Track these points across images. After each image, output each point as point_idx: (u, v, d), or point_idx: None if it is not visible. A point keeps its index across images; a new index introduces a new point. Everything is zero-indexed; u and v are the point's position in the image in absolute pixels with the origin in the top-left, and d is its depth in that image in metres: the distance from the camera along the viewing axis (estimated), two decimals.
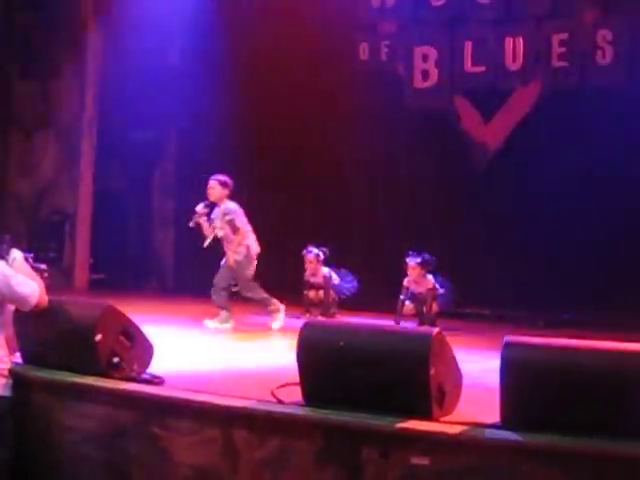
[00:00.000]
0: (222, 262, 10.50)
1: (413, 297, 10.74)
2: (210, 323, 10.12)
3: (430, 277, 10.65)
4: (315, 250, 11.35)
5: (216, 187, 10.41)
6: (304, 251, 11.43)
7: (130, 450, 5.67)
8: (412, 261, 10.63)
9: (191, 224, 10.48)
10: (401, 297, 10.64)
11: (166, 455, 5.52)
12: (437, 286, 10.70)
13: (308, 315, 11.04)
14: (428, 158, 12.64)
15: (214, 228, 10.38)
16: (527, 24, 11.98)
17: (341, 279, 11.53)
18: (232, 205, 10.41)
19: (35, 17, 13.85)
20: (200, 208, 10.40)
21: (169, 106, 14.79)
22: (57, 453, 5.99)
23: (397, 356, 5.06)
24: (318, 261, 11.39)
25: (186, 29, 14.59)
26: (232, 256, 10.31)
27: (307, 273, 11.47)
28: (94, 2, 14.15)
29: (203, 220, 10.40)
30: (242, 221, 10.41)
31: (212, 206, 10.45)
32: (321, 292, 11.42)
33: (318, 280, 11.43)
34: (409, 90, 12.76)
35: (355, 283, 11.52)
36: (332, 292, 11.45)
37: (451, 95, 12.54)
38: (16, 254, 5.95)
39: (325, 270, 11.41)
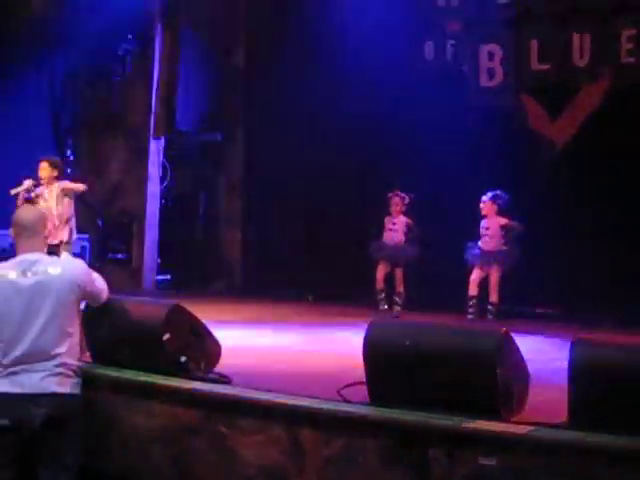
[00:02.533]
0: None
1: (482, 256, 10.98)
2: None
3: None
4: (400, 193, 11.72)
5: (47, 168, 10.91)
6: (390, 194, 11.71)
7: (197, 449, 5.70)
8: (483, 197, 11.07)
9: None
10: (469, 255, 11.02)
11: (232, 454, 5.55)
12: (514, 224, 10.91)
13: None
14: (495, 157, 12.54)
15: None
16: (594, 20, 11.84)
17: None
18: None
19: (103, 20, 13.96)
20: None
21: (235, 106, 14.88)
22: (124, 451, 6.05)
23: (464, 355, 5.04)
24: (403, 204, 11.68)
25: (252, 28, 14.65)
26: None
27: (387, 219, 11.76)
28: (161, 3, 14.25)
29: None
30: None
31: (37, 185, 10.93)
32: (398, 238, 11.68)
33: (396, 226, 11.72)
34: (475, 89, 12.67)
35: (417, 249, 11.74)
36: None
37: (517, 93, 12.43)
38: (66, 252, 6.07)
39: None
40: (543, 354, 7.74)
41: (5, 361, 5.35)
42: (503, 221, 10.99)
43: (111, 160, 14.69)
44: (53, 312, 5.39)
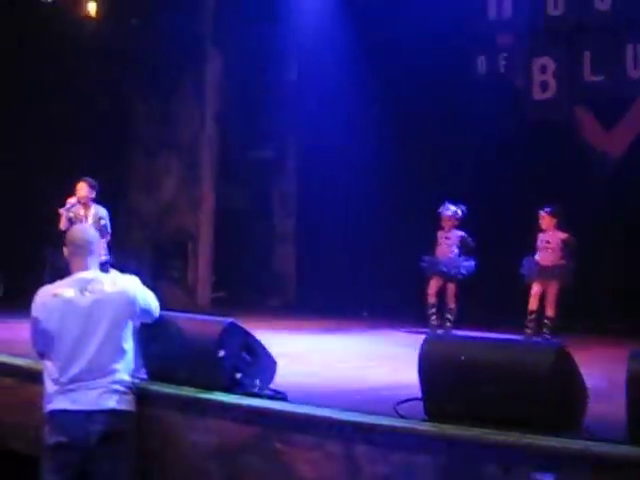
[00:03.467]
0: None
1: (540, 271, 10.80)
2: None
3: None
4: (452, 207, 11.45)
5: (85, 188, 10.93)
6: (441, 208, 11.53)
7: (252, 465, 5.70)
8: (542, 210, 10.86)
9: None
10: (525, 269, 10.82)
11: (288, 470, 5.54)
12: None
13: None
14: (548, 170, 12.48)
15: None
16: None
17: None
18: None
19: (155, 40, 14.10)
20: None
21: (288, 123, 14.94)
22: (180, 468, 6.06)
23: (520, 370, 4.99)
24: (456, 219, 11.48)
25: (304, 45, 14.72)
26: None
27: (440, 234, 11.60)
28: (213, 22, 14.35)
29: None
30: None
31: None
32: (452, 252, 11.53)
33: (451, 241, 11.56)
34: (528, 102, 12.63)
35: (473, 263, 11.54)
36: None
37: (571, 105, 12.37)
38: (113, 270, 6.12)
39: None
40: (601, 369, 7.66)
41: (63, 379, 5.41)
42: (563, 236, 10.85)
43: (165, 178, 14.79)
44: (110, 330, 5.45)
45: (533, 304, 10.82)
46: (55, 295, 5.53)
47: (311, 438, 5.48)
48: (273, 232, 15.54)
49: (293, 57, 15.17)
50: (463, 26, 12.86)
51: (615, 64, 11.90)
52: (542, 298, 10.81)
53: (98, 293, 5.47)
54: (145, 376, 6.34)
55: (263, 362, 6.34)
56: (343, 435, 5.37)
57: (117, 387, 5.45)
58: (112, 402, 5.41)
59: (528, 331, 10.66)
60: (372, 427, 5.31)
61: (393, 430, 5.23)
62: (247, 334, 6.31)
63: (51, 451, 5.41)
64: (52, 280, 5.77)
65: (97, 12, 14.24)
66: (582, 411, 5.22)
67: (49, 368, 5.52)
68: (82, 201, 10.90)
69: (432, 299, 11.72)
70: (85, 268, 5.59)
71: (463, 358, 5.17)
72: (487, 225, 12.38)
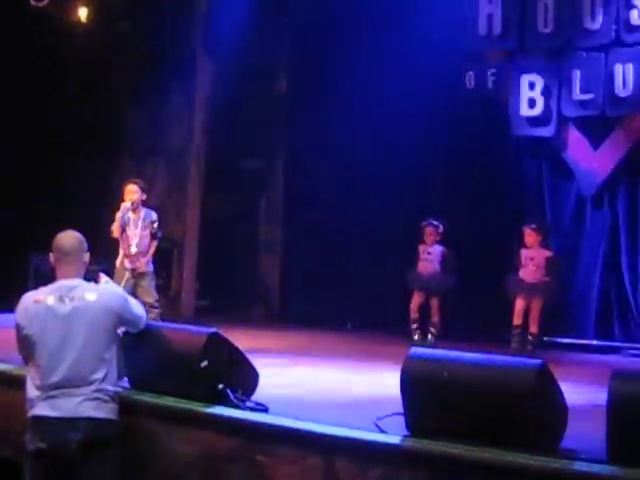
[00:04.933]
0: None
1: (524, 287, 10.93)
2: None
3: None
4: (434, 222, 11.65)
5: (137, 191, 10.50)
6: (423, 223, 11.68)
7: (233, 477, 5.71)
8: (528, 227, 11.01)
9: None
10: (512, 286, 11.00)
11: None
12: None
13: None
14: (535, 187, 12.53)
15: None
16: (637, 50, 11.79)
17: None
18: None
19: (145, 47, 14.10)
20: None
21: (276, 134, 14.95)
22: (160, 478, 6.06)
23: (502, 388, 5.01)
24: (438, 233, 11.64)
25: (294, 56, 14.74)
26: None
27: (422, 248, 11.71)
28: (203, 32, 14.37)
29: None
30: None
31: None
32: (433, 267, 11.64)
33: (432, 256, 11.65)
34: (516, 119, 12.65)
35: (454, 277, 11.69)
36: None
37: (558, 123, 12.39)
38: (106, 279, 6.09)
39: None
40: (582, 387, 7.68)
41: (44, 385, 5.41)
42: (547, 253, 11.00)
43: (152, 186, 14.76)
44: (89, 338, 5.43)
45: (517, 319, 10.93)
46: (36, 302, 5.53)
47: (292, 451, 5.49)
48: (258, 242, 15.53)
49: (283, 68, 15.18)
50: (452, 41, 12.85)
51: (604, 83, 11.93)
52: (526, 313, 10.89)
53: (78, 301, 5.46)
54: (127, 385, 6.34)
55: (246, 373, 6.35)
56: (324, 448, 5.38)
57: (98, 395, 5.43)
58: (92, 410, 5.39)
59: (514, 345, 10.81)
60: (353, 441, 5.32)
61: (374, 445, 5.24)
62: (230, 345, 6.32)
63: (32, 457, 5.41)
64: (36, 286, 5.77)
65: (87, 17, 14.21)
66: (562, 429, 5.23)
67: (32, 374, 5.52)
68: (133, 204, 10.40)
69: (414, 314, 11.80)
70: (69, 275, 5.58)
71: (446, 375, 5.19)
72: (471, 241, 12.41)
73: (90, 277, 5.90)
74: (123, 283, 9.75)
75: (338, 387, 7.96)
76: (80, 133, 14.06)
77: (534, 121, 12.50)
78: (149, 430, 6.10)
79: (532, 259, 10.97)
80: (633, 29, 11.83)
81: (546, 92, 12.37)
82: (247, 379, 6.33)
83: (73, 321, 5.42)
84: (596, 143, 12.25)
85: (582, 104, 12.13)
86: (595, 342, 11.77)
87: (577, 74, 12.13)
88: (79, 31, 14.14)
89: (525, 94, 12.53)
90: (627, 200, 11.96)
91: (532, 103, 12.47)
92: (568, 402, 5.36)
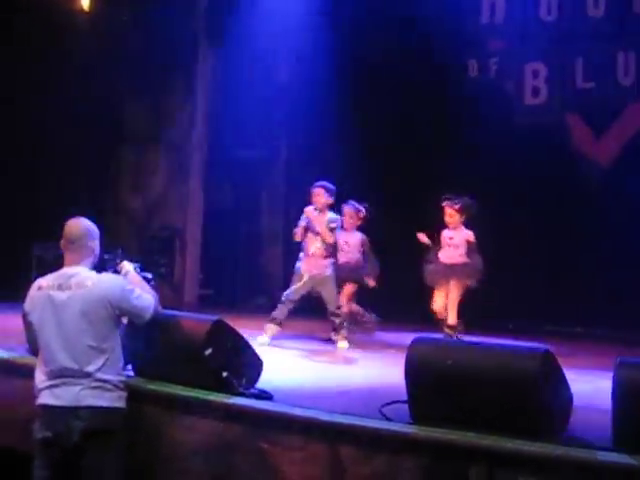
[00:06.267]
0: None
1: (442, 270, 9.83)
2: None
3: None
4: (356, 204, 10.54)
5: (323, 194, 10.20)
6: (343, 204, 10.55)
7: (237, 464, 5.70)
8: (450, 205, 9.86)
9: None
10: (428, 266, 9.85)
11: (273, 470, 5.54)
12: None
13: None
14: (539, 175, 12.50)
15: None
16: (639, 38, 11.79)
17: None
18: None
19: (146, 36, 14.07)
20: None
21: (278, 123, 14.92)
22: (164, 466, 6.06)
23: (505, 375, 5.01)
24: (359, 218, 10.57)
25: (296, 46, 14.71)
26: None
27: (341, 235, 10.43)
28: (205, 21, 14.33)
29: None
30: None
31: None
32: (353, 258, 10.49)
33: (352, 240, 10.53)
34: (519, 107, 12.64)
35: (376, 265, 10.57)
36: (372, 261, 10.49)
37: (562, 111, 12.38)
38: (128, 267, 6.06)
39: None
40: (586, 374, 7.68)
41: (47, 373, 5.42)
42: (468, 234, 9.93)
43: (154, 175, 14.76)
44: (82, 327, 5.42)
45: (437, 305, 9.95)
46: (39, 288, 5.54)
47: (297, 438, 5.49)
48: (261, 231, 15.53)
49: (284, 58, 15.15)
50: (455, 30, 12.85)
51: (606, 71, 11.93)
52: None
53: (76, 289, 5.45)
54: (131, 373, 6.34)
55: (249, 361, 6.35)
56: (328, 436, 5.38)
57: (98, 384, 5.43)
58: (93, 399, 5.40)
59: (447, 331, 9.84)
60: (357, 429, 5.32)
61: (378, 432, 5.24)
62: (234, 333, 6.31)
63: (39, 446, 5.42)
64: (38, 276, 5.76)
65: (90, 6, 14.18)
66: (567, 416, 5.24)
67: (38, 362, 5.53)
68: (319, 207, 10.13)
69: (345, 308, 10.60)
70: (72, 263, 5.58)
71: (450, 362, 5.18)
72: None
73: (105, 266, 5.89)
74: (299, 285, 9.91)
75: (342, 375, 7.96)
76: (81, 122, 14.02)
77: (537, 109, 12.48)
78: (153, 418, 6.10)
79: (451, 239, 9.95)
80: (636, 17, 11.82)
81: (549, 80, 12.36)
82: (251, 367, 6.33)
83: (68, 309, 5.42)
84: (599, 131, 12.23)
85: (585, 92, 12.12)
86: (598, 330, 11.73)
87: (580, 62, 12.11)
88: (80, 19, 14.10)
89: (529, 82, 12.52)
90: (630, 188, 11.92)
91: (536, 91, 12.46)
92: (573, 390, 5.37)
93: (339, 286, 10.44)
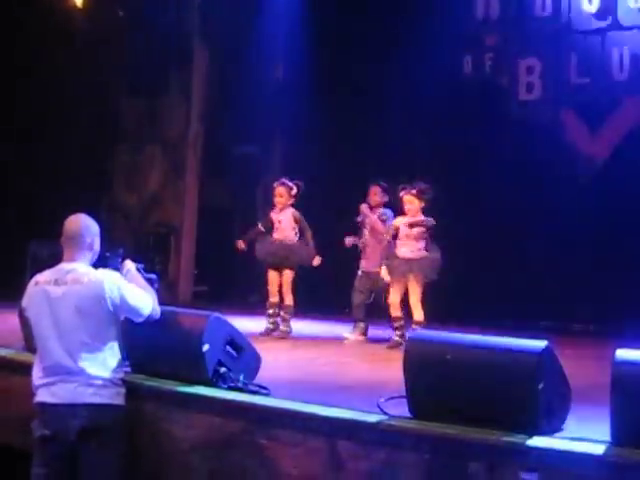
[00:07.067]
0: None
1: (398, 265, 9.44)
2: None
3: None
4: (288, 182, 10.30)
5: (379, 192, 10.32)
6: (275, 183, 10.33)
7: (236, 460, 5.70)
8: (407, 191, 9.42)
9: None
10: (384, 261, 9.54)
11: (271, 466, 5.54)
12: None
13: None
14: (533, 170, 12.50)
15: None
16: (634, 34, 11.79)
17: None
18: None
19: (142, 35, 14.07)
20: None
21: (273, 121, 14.91)
22: (162, 462, 6.06)
23: (504, 370, 5.01)
24: (290, 195, 10.35)
25: (292, 43, 14.71)
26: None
27: (273, 212, 10.28)
28: (200, 19, 14.33)
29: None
30: None
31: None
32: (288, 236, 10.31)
33: (283, 217, 10.34)
34: (514, 103, 12.65)
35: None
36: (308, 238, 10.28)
37: (556, 107, 12.39)
38: (130, 266, 6.05)
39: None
40: (585, 369, 7.68)
41: (43, 370, 5.42)
42: (430, 220, 9.41)
43: (149, 172, 14.76)
44: (76, 324, 5.40)
45: (395, 309, 9.49)
46: (36, 284, 5.54)
47: (294, 434, 5.48)
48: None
49: (279, 54, 15.14)
50: (450, 25, 12.85)
51: (601, 66, 11.94)
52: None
53: (71, 285, 5.43)
54: (128, 369, 6.33)
55: (247, 357, 6.35)
56: (326, 431, 5.37)
57: (94, 381, 5.43)
58: (90, 396, 5.40)
59: (396, 339, 9.41)
60: (356, 424, 5.32)
61: (377, 427, 5.24)
62: (232, 328, 6.32)
63: (38, 444, 5.41)
64: (34, 273, 5.75)
65: (83, 3, 14.15)
66: (566, 410, 5.24)
67: (36, 359, 5.52)
68: (372, 205, 10.20)
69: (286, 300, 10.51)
70: (71, 259, 5.57)
71: (449, 357, 5.18)
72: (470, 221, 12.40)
73: (106, 264, 5.87)
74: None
75: (340, 370, 7.97)
76: (77, 120, 14.01)
77: (532, 105, 12.49)
78: (151, 414, 6.09)
79: (411, 228, 9.41)
80: (630, 12, 11.82)
81: (544, 76, 12.36)
82: (249, 362, 6.33)
83: (63, 304, 5.41)
84: (594, 127, 12.24)
85: (580, 88, 12.13)
86: (592, 326, 11.74)
87: (574, 57, 12.12)
88: (75, 17, 14.08)
89: (523, 78, 12.52)
90: (624, 183, 11.93)
91: (530, 87, 12.47)
92: (572, 384, 5.37)
93: (276, 268, 10.46)
